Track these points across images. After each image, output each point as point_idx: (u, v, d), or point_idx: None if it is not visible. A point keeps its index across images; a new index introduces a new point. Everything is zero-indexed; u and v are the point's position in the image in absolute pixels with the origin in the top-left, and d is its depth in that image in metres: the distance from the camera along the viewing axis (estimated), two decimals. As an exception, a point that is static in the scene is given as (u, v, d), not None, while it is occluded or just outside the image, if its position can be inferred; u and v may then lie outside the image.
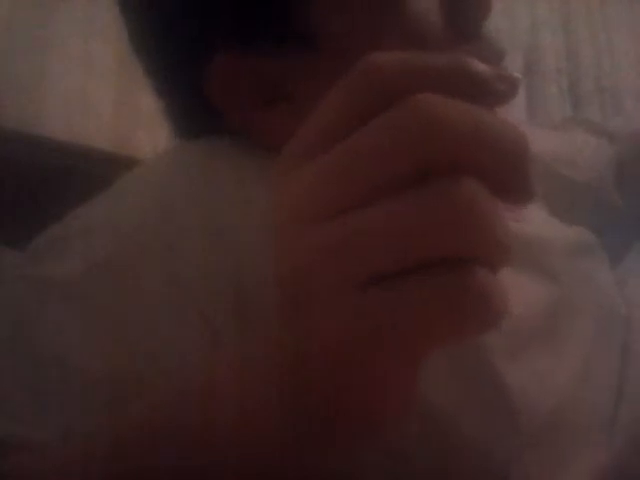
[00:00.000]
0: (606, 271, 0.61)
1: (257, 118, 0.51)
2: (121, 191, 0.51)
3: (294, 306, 0.27)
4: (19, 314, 0.45)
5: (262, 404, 0.30)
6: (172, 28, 0.52)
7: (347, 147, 0.26)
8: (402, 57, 0.27)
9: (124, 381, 0.41)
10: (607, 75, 1.91)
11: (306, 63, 0.50)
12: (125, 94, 1.27)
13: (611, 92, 1.89)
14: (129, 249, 0.46)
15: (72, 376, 0.42)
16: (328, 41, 0.49)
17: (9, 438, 0.40)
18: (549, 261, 0.55)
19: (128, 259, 0.46)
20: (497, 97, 0.27)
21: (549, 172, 0.68)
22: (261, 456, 0.31)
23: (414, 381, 0.28)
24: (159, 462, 0.33)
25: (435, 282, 0.25)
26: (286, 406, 0.29)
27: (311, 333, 0.27)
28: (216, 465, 0.32)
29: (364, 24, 0.49)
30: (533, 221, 0.57)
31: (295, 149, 0.28)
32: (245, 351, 0.33)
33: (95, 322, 0.44)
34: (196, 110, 0.54)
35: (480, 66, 0.27)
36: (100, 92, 1.28)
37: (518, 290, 0.36)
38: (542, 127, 0.85)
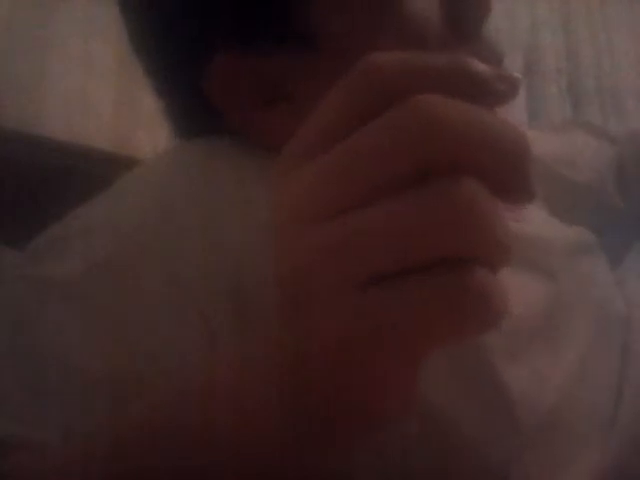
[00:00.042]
0: (606, 271, 0.61)
1: (257, 118, 0.51)
2: (121, 191, 0.51)
3: (294, 306, 0.27)
4: (19, 314, 0.45)
5: (262, 404, 0.30)
6: (172, 28, 0.52)
7: (347, 147, 0.26)
8: (402, 57, 0.27)
9: (124, 381, 0.41)
10: (607, 75, 1.91)
11: (306, 63, 0.50)
12: (125, 94, 1.27)
13: (611, 92, 1.89)
14: (129, 249, 0.46)
15: (72, 376, 0.42)
16: (328, 41, 0.50)
17: (9, 438, 0.40)
18: (549, 261, 0.55)
19: (128, 259, 0.46)
20: (497, 97, 0.27)
21: (550, 173, 0.68)
22: (261, 456, 0.31)
23: (414, 381, 0.28)
24: (159, 462, 0.33)
25: (435, 282, 0.25)
26: (286, 406, 0.29)
27: (311, 333, 0.27)
28: (216, 465, 0.32)
29: (364, 24, 0.49)
30: (533, 221, 0.57)
31: (295, 149, 0.28)
32: (245, 351, 0.33)
33: (95, 322, 0.44)
34: (196, 110, 0.54)
35: (480, 66, 0.27)
36: (100, 92, 1.28)
37: (518, 290, 0.36)
38: (542, 129, 0.85)
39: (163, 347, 0.43)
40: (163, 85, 0.56)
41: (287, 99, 0.51)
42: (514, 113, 1.53)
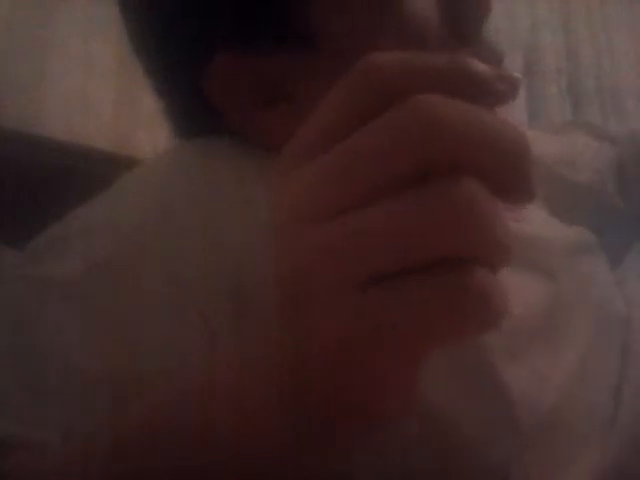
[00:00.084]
0: (606, 271, 0.61)
1: (257, 118, 0.51)
2: (121, 191, 0.51)
3: (294, 306, 0.27)
4: (19, 314, 0.45)
5: (262, 404, 0.30)
6: (172, 28, 0.52)
7: (347, 147, 0.26)
8: (402, 57, 0.27)
9: (124, 381, 0.41)
10: (607, 75, 1.91)
11: (306, 63, 0.50)
12: (125, 94, 1.27)
13: (611, 92, 1.89)
14: (129, 249, 0.46)
15: (72, 376, 0.42)
16: (328, 41, 0.50)
17: (9, 438, 0.40)
18: (549, 261, 0.55)
19: (128, 259, 0.46)
20: (497, 97, 0.27)
21: (550, 174, 0.68)
22: (261, 456, 0.31)
23: (414, 381, 0.28)
24: (159, 462, 0.33)
25: (435, 282, 0.25)
26: (286, 406, 0.29)
27: (311, 333, 0.27)
28: (216, 465, 0.32)
29: (364, 24, 0.49)
30: (533, 221, 0.57)
31: (295, 149, 0.28)
32: (245, 351, 0.33)
33: (95, 322, 0.44)
34: (196, 110, 0.54)
35: (480, 66, 0.27)
36: (100, 92, 1.28)
37: (518, 290, 0.36)
38: (543, 129, 0.85)
39: (163, 347, 0.43)
40: (163, 85, 0.56)
41: (287, 99, 0.51)
42: (514, 113, 1.53)
